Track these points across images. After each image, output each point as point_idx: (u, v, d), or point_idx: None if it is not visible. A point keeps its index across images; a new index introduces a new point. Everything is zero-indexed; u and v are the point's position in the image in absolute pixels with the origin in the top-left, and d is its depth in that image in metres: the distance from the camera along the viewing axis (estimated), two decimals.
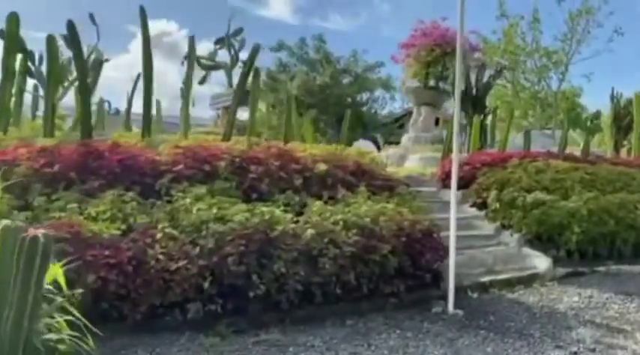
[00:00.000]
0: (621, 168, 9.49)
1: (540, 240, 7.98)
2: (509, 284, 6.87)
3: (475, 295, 6.41)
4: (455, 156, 5.89)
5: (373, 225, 5.54)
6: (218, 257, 4.65)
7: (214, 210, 5.09)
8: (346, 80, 29.42)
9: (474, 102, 11.19)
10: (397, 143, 14.53)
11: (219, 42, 20.56)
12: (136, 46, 49.51)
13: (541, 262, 7.47)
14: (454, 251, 5.70)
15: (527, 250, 7.75)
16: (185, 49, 9.60)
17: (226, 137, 7.96)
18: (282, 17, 48.65)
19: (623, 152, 12.71)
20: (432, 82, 12.64)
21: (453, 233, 5.68)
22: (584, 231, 7.84)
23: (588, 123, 16.10)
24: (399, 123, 25.28)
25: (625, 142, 12.49)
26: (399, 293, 5.51)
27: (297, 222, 5.30)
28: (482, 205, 8.44)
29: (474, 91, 11.14)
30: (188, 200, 5.29)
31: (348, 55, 27.37)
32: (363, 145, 13.11)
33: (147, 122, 7.64)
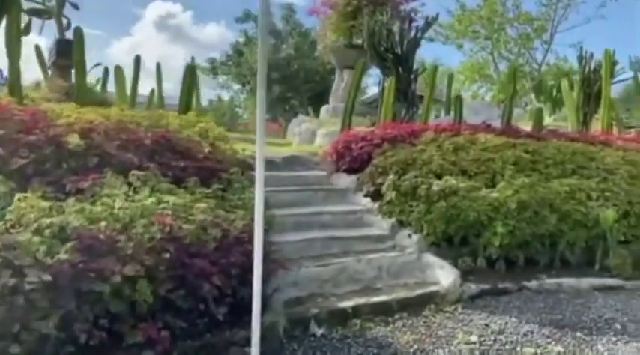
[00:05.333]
0: (578, 146, 7.50)
1: (451, 244, 6.02)
2: (387, 310, 4.92)
3: (320, 331, 4.43)
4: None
5: (118, 233, 3.50)
6: None
7: None
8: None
9: (398, 63, 9.13)
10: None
11: None
12: (140, 29, 48.27)
13: (445, 275, 5.49)
14: (259, 271, 3.65)
15: (429, 257, 5.78)
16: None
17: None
18: None
19: (597, 126, 10.64)
20: (357, 40, 10.51)
21: (258, 240, 3.63)
22: (511, 231, 5.89)
23: (554, 93, 14.08)
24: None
25: (596, 115, 10.49)
26: (158, 342, 3.48)
27: None
28: (377, 194, 6.42)
29: (399, 49, 9.10)
30: None
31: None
32: None
33: None
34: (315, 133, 9.69)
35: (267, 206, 5.32)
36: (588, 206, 6.37)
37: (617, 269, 6.11)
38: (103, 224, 3.46)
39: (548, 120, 13.08)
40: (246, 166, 5.33)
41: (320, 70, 29.99)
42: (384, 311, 4.88)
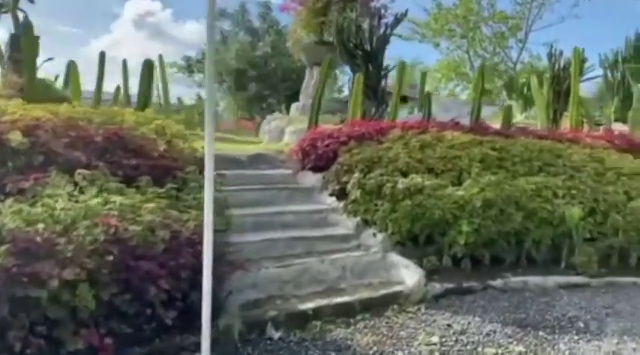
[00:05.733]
0: (546, 143, 7.47)
1: (416, 243, 5.93)
2: (349, 311, 4.81)
3: (278, 334, 4.30)
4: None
5: (58, 235, 3.33)
6: None
7: None
8: None
9: (367, 60, 9.03)
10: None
11: None
12: (118, 26, 47.60)
13: (409, 275, 5.40)
14: (209, 273, 3.50)
15: (394, 257, 5.68)
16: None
17: None
18: None
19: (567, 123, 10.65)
20: (327, 37, 10.36)
21: (207, 241, 3.48)
22: (477, 230, 5.83)
23: (525, 91, 14.13)
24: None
25: (567, 113, 10.51)
26: (101, 349, 3.31)
27: None
28: (343, 193, 6.31)
29: (368, 46, 8.99)
30: None
31: None
32: None
33: None
34: (284, 131, 9.55)
35: (228, 205, 5.21)
36: (554, 203, 6.34)
37: (582, 267, 6.08)
38: (40, 226, 3.28)
39: (519, 117, 13.15)
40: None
41: (297, 68, 29.84)
42: (346, 313, 4.77)
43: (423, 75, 11.98)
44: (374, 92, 9.04)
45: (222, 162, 7.03)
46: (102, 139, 4.48)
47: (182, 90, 43.90)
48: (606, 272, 6.21)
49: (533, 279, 5.81)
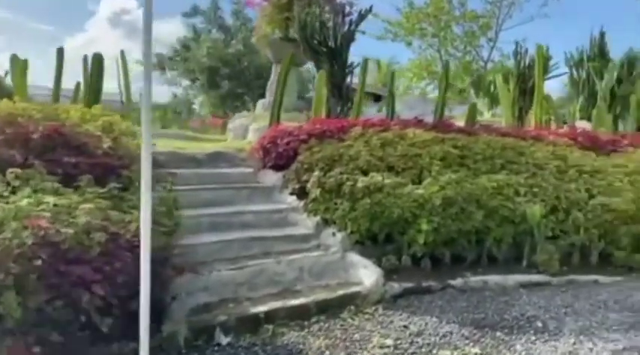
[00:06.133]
0: (509, 141, 7.43)
1: (376, 242, 5.82)
2: (304, 314, 4.67)
3: (227, 340, 4.13)
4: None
5: None
6: None
7: None
8: None
9: (331, 57, 8.89)
10: None
11: None
12: (93, 24, 46.54)
13: (368, 275, 5.27)
14: (147, 277, 3.32)
15: (353, 256, 5.56)
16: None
17: None
18: None
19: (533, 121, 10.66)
20: (293, 33, 10.16)
21: (145, 245, 3.29)
22: (436, 228, 5.74)
23: (492, 89, 14.17)
24: None
25: (532, 110, 10.53)
26: None
27: None
28: (303, 192, 6.16)
29: (332, 42, 8.84)
30: None
31: None
32: None
33: None
34: (249, 129, 9.35)
35: (179, 206, 5.00)
36: (516, 201, 6.28)
37: (544, 266, 6.05)
38: None
39: (486, 115, 13.17)
40: (156, 163, 4.95)
41: (271, 66, 29.54)
42: (301, 315, 4.63)
43: (392, 74, 11.87)
44: (339, 90, 8.91)
45: (179, 160, 6.86)
46: (41, 136, 4.24)
47: (155, 89, 43.23)
48: (567, 271, 6.19)
49: (494, 278, 5.75)
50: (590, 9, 39.67)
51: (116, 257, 3.53)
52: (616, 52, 13.83)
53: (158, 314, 3.97)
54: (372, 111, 12.72)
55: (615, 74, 12.68)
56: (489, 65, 29.12)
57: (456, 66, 28.81)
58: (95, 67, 7.26)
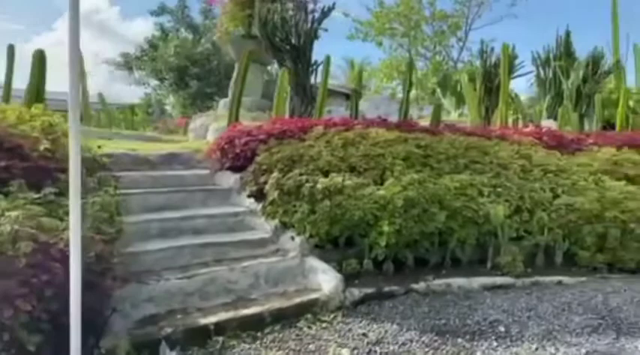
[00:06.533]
0: (473, 140, 7.32)
1: (336, 246, 5.62)
2: (258, 324, 4.44)
3: (172, 354, 3.86)
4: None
5: None
6: None
7: None
8: None
9: (295, 55, 8.68)
10: None
11: None
12: (63, 23, 45.32)
13: (327, 280, 5.07)
14: (78, 292, 3.05)
15: (313, 261, 5.35)
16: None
17: None
18: None
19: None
20: (256, 30, 9.89)
21: (75, 257, 3.03)
22: (398, 230, 5.56)
23: (458, 88, 14.15)
24: None
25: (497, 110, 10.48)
26: None
27: None
28: (262, 194, 5.93)
29: (295, 40, 8.62)
30: None
31: None
32: None
33: None
34: (209, 128, 9.08)
35: (121, 211, 4.73)
36: (479, 202, 6.15)
37: (508, 267, 5.93)
38: None
39: (454, 115, 13.12)
40: (98, 166, 4.68)
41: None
42: (255, 325, 4.40)
43: (360, 73, 11.75)
44: (303, 88, 8.69)
45: (130, 162, 6.56)
46: None
47: (123, 89, 42.43)
48: (532, 272, 6.08)
49: (457, 281, 5.60)
50: (557, 9, 40.26)
51: (45, 268, 3.25)
52: (582, 52, 13.99)
53: (97, 328, 3.71)
54: (342, 110, 12.57)
55: (581, 73, 12.77)
56: (459, 65, 29.30)
57: (427, 66, 28.93)
58: (36, 64, 6.88)
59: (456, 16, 27.50)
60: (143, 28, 50.57)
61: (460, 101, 13.77)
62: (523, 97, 13.95)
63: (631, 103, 12.12)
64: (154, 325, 4.09)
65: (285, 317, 4.59)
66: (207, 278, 4.75)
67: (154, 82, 35.12)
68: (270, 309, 4.57)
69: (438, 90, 13.57)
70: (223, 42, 11.34)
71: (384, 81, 30.46)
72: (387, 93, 28.36)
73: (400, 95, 26.30)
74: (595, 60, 13.14)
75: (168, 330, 4.01)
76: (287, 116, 8.52)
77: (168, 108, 35.72)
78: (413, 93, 27.93)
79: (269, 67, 15.35)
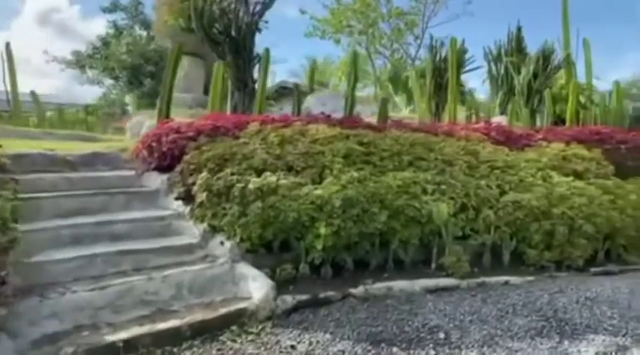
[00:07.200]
0: (419, 136, 7.06)
1: (270, 250, 5.27)
2: (176, 339, 4.04)
3: None
4: None
5: None
6: None
7: None
8: None
9: (234, 48, 8.27)
10: None
11: None
12: (19, 22, 43.41)
13: (258, 287, 4.71)
14: None
15: (243, 267, 4.97)
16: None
17: None
18: None
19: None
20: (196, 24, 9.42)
21: None
22: (336, 232, 5.23)
23: (409, 84, 14.02)
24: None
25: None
26: None
27: None
28: (190, 196, 5.53)
29: (235, 32, 8.22)
30: None
31: None
32: None
33: None
34: (143, 126, 8.60)
35: (17, 218, 4.27)
36: (423, 200, 5.89)
37: (452, 268, 5.68)
38: None
39: (405, 111, 12.96)
40: None
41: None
42: (172, 340, 4.01)
43: (312, 71, 11.43)
44: (244, 84, 8.30)
45: (45, 163, 6.05)
46: None
47: (77, 88, 41.12)
48: (478, 272, 5.87)
49: (399, 284, 5.31)
50: (513, 6, 40.93)
51: None
52: (535, 48, 14.00)
53: None
54: (288, 108, 12.20)
55: (532, 68, 12.76)
56: (417, 63, 29.34)
57: (385, 64, 28.87)
58: None
59: (413, 14, 27.52)
60: (103, 27, 49.18)
61: (411, 98, 13.61)
62: (483, 94, 13.92)
63: (582, 98, 12.18)
64: (52, 344, 3.66)
65: (208, 330, 4.21)
66: (122, 290, 4.33)
67: (109, 81, 34.12)
68: (191, 322, 4.18)
69: (390, 86, 13.37)
70: (161, 35, 10.83)
71: (343, 79, 30.29)
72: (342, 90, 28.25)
73: (358, 93, 26.21)
74: (545, 55, 13.16)
75: (69, 350, 3.58)
76: (228, 113, 8.11)
77: (130, 108, 34.72)
78: (371, 90, 27.89)
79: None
